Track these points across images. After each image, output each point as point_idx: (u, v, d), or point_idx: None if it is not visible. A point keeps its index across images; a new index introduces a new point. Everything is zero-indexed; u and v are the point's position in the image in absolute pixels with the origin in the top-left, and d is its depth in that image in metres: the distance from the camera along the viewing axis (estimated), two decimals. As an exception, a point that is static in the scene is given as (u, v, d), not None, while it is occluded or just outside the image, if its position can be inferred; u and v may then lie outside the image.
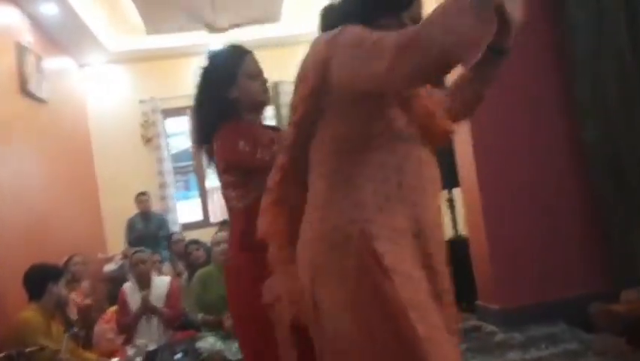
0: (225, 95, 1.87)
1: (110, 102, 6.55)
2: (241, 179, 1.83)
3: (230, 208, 1.93)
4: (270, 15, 5.89)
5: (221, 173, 1.85)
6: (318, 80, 1.17)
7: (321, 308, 1.17)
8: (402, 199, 1.18)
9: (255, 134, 1.82)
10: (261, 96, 1.92)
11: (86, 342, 3.66)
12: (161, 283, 3.91)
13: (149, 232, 5.65)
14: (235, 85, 1.87)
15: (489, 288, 3.46)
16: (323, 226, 1.18)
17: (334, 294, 1.15)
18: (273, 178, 1.30)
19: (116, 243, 5.88)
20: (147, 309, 3.72)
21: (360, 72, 1.10)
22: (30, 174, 4.45)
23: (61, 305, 3.13)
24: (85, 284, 4.33)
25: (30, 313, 2.96)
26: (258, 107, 1.91)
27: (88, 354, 3.37)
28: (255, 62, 1.94)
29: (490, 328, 3.27)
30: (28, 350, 2.45)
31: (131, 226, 5.74)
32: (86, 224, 5.66)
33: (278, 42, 6.24)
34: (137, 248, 4.10)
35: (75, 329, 3.05)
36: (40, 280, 3.06)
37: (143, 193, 5.86)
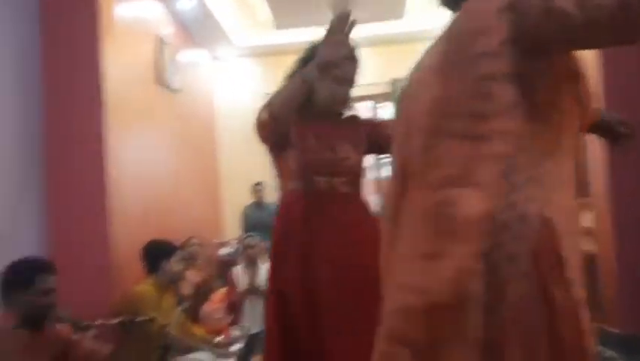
0: (308, 82, 1.88)
1: (237, 95, 6.87)
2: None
3: None
4: (393, 11, 5.82)
5: None
6: (507, 30, 0.98)
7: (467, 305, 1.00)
8: (570, 185, 1.05)
9: None
10: (332, 104, 1.93)
11: (194, 318, 3.87)
12: (267, 269, 4.02)
13: (261, 220, 5.84)
14: (321, 80, 1.87)
15: (612, 310, 3.13)
16: (495, 203, 1.00)
17: (496, 286, 0.98)
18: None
19: (233, 230, 6.17)
20: (254, 288, 3.87)
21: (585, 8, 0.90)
22: (158, 157, 4.78)
23: (174, 281, 3.31)
24: (199, 264, 4.59)
25: (144, 287, 3.17)
26: (322, 109, 1.93)
27: (196, 329, 3.55)
28: (352, 71, 1.95)
29: (610, 353, 2.95)
30: (139, 318, 2.62)
31: (245, 214, 6.00)
32: (205, 209, 5.99)
33: (400, 39, 6.16)
34: (249, 234, 4.28)
35: (186, 305, 3.21)
36: (154, 255, 3.27)
37: (258, 183, 6.08)
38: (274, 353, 1.88)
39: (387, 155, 2.23)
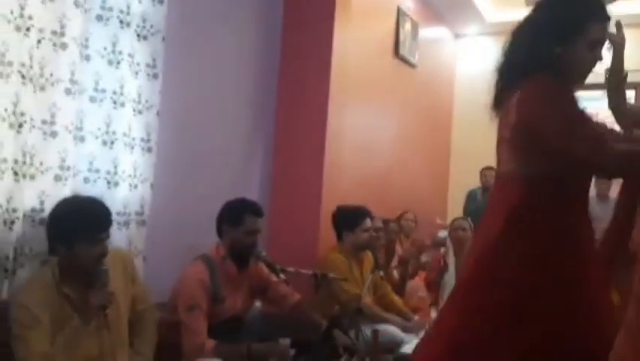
0: (549, 45, 1.57)
1: (479, 74, 6.54)
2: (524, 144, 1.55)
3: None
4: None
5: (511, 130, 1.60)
6: None
7: None
8: None
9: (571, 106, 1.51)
10: (586, 72, 1.57)
11: (400, 291, 3.87)
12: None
13: (486, 206, 5.54)
14: (568, 44, 1.56)
15: None
16: None
17: None
18: None
19: (458, 212, 5.96)
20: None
21: None
22: (386, 128, 4.86)
23: (363, 248, 3.28)
24: (411, 239, 4.59)
25: (333, 254, 3.23)
26: (574, 81, 1.58)
27: (395, 297, 3.54)
28: (605, 32, 1.57)
29: None
30: (331, 275, 2.70)
31: (470, 197, 5.74)
32: (430, 186, 5.88)
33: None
34: (460, 217, 4.10)
35: (381, 273, 3.20)
36: (338, 223, 3.30)
37: (488, 168, 5.73)
38: None
39: None
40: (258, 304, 3.32)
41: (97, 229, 1.95)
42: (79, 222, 1.91)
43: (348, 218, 3.27)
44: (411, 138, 5.34)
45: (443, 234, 5.51)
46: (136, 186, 2.46)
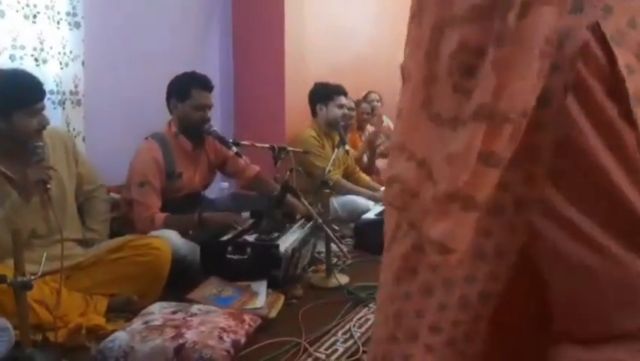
0: None
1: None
2: None
3: None
4: None
5: None
6: None
7: None
8: None
9: None
10: None
11: (369, 168, 3.84)
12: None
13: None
14: None
15: None
16: None
17: None
18: None
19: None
20: None
21: None
22: (364, 10, 4.60)
23: (335, 125, 3.24)
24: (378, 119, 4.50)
25: (307, 132, 3.26)
26: None
27: (362, 173, 3.54)
28: None
29: None
30: (289, 148, 2.64)
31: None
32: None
33: None
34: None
35: (347, 148, 3.15)
36: (311, 97, 3.30)
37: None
38: None
39: None
40: (225, 184, 3.32)
41: (32, 98, 1.87)
42: (13, 92, 1.83)
43: (323, 92, 3.28)
44: (394, 20, 5.03)
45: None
46: (67, 64, 2.34)
